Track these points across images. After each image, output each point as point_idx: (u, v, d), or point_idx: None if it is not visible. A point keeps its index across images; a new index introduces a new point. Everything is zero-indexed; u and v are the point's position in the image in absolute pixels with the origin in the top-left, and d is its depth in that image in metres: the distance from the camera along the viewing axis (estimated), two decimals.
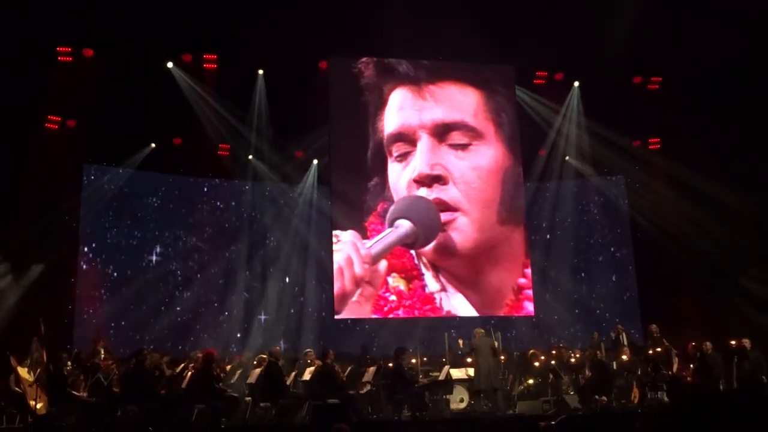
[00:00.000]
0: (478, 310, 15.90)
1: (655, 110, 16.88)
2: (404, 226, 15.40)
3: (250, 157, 17.70)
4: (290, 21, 14.80)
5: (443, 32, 15.53)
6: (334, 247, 15.51)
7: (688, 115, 16.08)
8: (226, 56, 16.16)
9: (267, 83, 16.79)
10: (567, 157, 18.43)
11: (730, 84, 15.42)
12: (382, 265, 15.46)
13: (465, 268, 15.94)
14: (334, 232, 15.64)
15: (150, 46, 14.82)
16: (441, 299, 15.71)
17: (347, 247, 15.40)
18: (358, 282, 15.20)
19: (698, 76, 15.84)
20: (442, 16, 15.07)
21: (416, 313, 15.55)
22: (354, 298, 15.20)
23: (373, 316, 15.70)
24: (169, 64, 15.99)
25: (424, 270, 15.72)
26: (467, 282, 15.93)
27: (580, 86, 17.63)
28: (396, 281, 15.57)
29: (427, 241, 15.59)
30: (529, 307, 16.31)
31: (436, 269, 15.77)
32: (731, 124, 15.32)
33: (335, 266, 15.33)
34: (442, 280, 15.78)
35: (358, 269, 15.22)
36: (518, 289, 16.23)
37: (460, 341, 14.86)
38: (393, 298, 15.48)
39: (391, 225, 15.50)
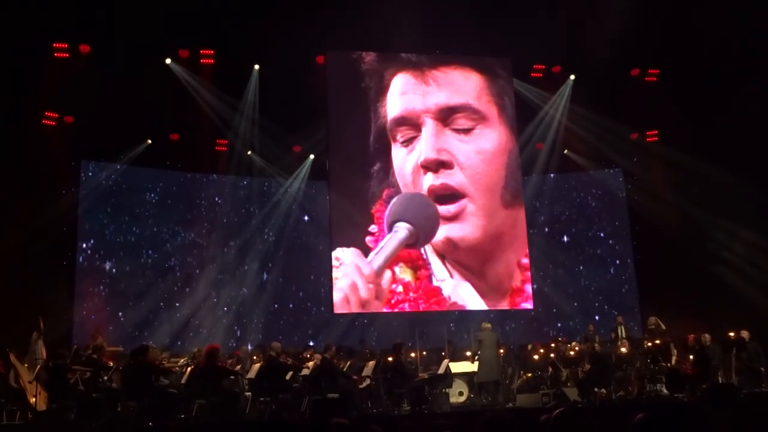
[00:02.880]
0: (484, 298, 15.67)
1: (653, 102, 16.83)
2: (402, 229, 15.07)
3: (249, 152, 17.68)
4: (287, 16, 14.74)
5: (442, 26, 15.50)
6: (337, 271, 15.11)
7: (685, 107, 16.09)
8: (224, 51, 16.11)
9: (264, 78, 16.73)
10: (566, 151, 18.43)
11: (727, 75, 15.42)
12: (386, 278, 15.13)
13: (472, 256, 15.76)
14: (335, 253, 15.23)
15: (146, 41, 14.73)
16: (447, 289, 15.52)
17: (350, 271, 14.99)
18: (364, 304, 14.99)
19: (695, 68, 15.85)
20: (440, 11, 15.03)
21: (421, 306, 15.37)
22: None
23: (384, 310, 15.56)
24: (168, 60, 15.94)
25: (430, 259, 15.54)
26: (474, 270, 15.76)
27: (577, 79, 17.56)
28: (403, 272, 15.36)
29: (427, 239, 15.40)
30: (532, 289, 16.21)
31: (443, 257, 15.58)
32: (728, 116, 15.31)
33: (339, 294, 14.93)
34: (449, 268, 15.60)
35: (364, 293, 14.86)
36: (522, 269, 16.10)
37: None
38: (400, 289, 15.30)
39: (390, 229, 15.20)
